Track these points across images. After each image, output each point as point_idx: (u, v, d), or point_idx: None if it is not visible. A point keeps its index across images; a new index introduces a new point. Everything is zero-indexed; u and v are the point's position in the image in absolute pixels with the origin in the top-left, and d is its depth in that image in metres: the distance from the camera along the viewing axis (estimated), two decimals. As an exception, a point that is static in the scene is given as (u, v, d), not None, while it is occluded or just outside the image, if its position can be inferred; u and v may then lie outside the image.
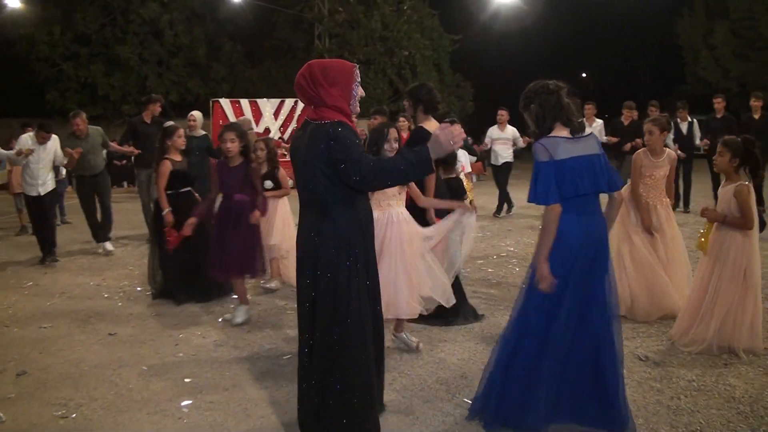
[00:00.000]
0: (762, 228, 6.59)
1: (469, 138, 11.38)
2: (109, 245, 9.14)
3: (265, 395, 4.27)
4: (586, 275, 3.55)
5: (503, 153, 11.98)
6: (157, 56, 24.20)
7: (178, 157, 6.56)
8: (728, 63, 28.67)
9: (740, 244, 4.76)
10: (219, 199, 5.98)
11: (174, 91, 24.36)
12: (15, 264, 8.53)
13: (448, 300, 4.82)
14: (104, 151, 9.20)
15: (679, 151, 10.94)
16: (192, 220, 5.96)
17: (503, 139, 11.99)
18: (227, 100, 19.10)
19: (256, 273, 5.98)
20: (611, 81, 43.75)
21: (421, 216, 5.11)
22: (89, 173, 8.85)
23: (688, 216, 11.32)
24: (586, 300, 3.56)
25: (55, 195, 8.96)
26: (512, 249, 9.03)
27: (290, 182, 13.81)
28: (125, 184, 19.07)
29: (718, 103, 11.50)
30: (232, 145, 5.73)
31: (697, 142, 11.49)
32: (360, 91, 3.40)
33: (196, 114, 9.88)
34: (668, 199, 5.94)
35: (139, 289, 7.02)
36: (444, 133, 3.07)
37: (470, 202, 7.16)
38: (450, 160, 5.98)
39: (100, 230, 9.11)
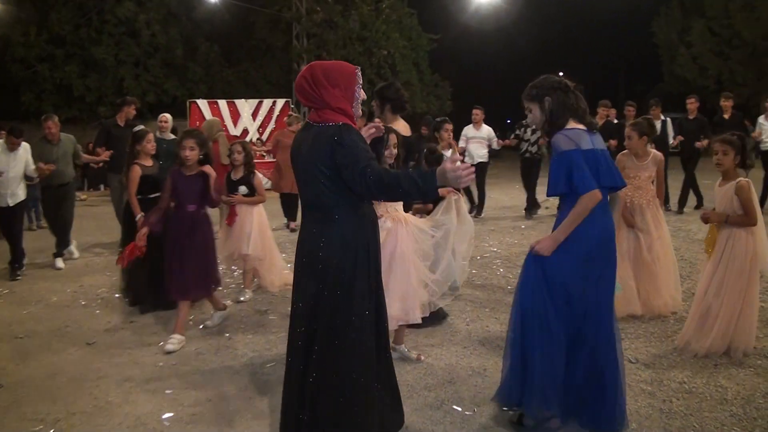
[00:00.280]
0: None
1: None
2: (60, 262, 8.52)
3: (249, 406, 4.16)
4: (601, 273, 3.54)
5: (478, 152, 11.89)
6: (134, 57, 24.01)
7: (148, 162, 6.38)
8: (705, 61, 28.92)
9: (744, 242, 4.66)
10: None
11: (151, 92, 24.14)
12: (-11, 271, 8.31)
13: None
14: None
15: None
16: (144, 231, 5.48)
17: (478, 139, 11.93)
18: (205, 101, 18.89)
19: (210, 293, 5.69)
20: (588, 79, 43.87)
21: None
22: (56, 182, 8.39)
23: (668, 214, 11.33)
24: (597, 298, 3.54)
25: (23, 208, 8.43)
26: (495, 250, 8.96)
27: (267, 183, 13.61)
28: (102, 187, 18.84)
29: (691, 104, 11.54)
30: (191, 153, 5.43)
31: (671, 140, 11.49)
32: (362, 94, 3.32)
33: (168, 116, 9.70)
34: (657, 200, 5.92)
35: (117, 295, 6.87)
36: (454, 171, 2.95)
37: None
38: (438, 159, 5.91)
39: (63, 241, 8.65)
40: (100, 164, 9.17)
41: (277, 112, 18.74)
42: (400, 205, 4.65)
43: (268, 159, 12.62)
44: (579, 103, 3.58)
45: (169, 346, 5.20)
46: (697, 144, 11.06)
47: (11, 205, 7.87)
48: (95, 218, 10.19)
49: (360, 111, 3.32)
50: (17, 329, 5.86)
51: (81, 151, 8.84)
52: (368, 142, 3.15)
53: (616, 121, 12.09)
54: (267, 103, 19.09)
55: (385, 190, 3.01)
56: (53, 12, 22.63)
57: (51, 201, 8.59)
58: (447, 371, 4.63)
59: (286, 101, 19.65)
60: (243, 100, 19.31)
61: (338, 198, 3.16)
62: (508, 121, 31.69)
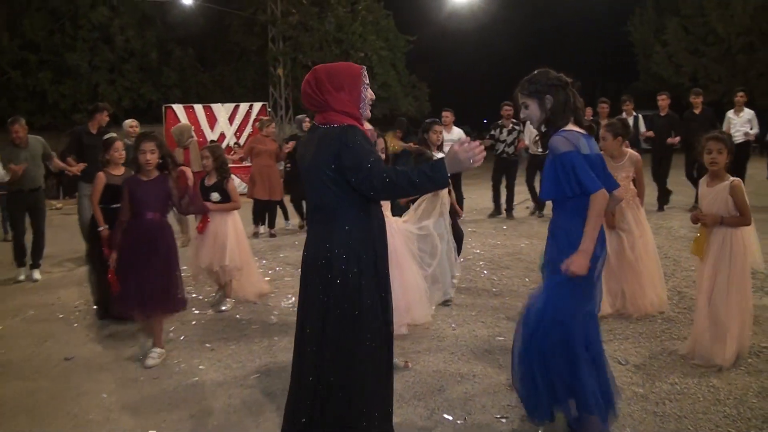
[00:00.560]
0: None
1: None
2: (36, 273, 8.22)
3: (235, 420, 4.04)
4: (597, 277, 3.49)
5: None
6: (108, 62, 23.75)
7: (117, 171, 5.99)
8: (680, 59, 29.16)
9: (740, 240, 4.55)
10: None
11: (126, 97, 23.90)
12: (-37, 283, 8.10)
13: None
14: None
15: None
16: (113, 257, 5.14)
17: (449, 141, 11.79)
18: (180, 106, 18.72)
19: (177, 309, 5.29)
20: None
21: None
22: (26, 187, 7.98)
23: (650, 213, 11.33)
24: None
25: None
26: (478, 251, 8.89)
27: (243, 186, 13.43)
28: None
29: (662, 101, 11.59)
30: (152, 157, 5.12)
31: (640, 135, 11.48)
32: (369, 94, 3.23)
33: (135, 121, 9.50)
34: (638, 199, 5.89)
35: (95, 307, 6.68)
36: (463, 149, 2.91)
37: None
38: (428, 158, 5.87)
39: (24, 256, 8.21)
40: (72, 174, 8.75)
41: (253, 116, 18.61)
42: (387, 206, 4.57)
43: (246, 163, 12.38)
44: (577, 102, 3.47)
45: (150, 361, 5.03)
46: (669, 140, 11.09)
47: None
48: (71, 227, 9.95)
49: (368, 112, 3.24)
50: (-6, 344, 5.69)
51: (51, 151, 8.39)
52: None
53: (590, 118, 12.09)
54: (244, 107, 18.96)
55: (394, 189, 2.96)
56: (26, 18, 22.34)
57: (19, 208, 8.12)
58: (436, 378, 4.55)
59: (263, 105, 19.50)
60: (219, 104, 19.16)
61: (344, 200, 3.09)
62: (485, 121, 31.78)
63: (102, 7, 22.72)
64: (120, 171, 6.02)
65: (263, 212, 10.85)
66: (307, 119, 11.14)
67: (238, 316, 6.27)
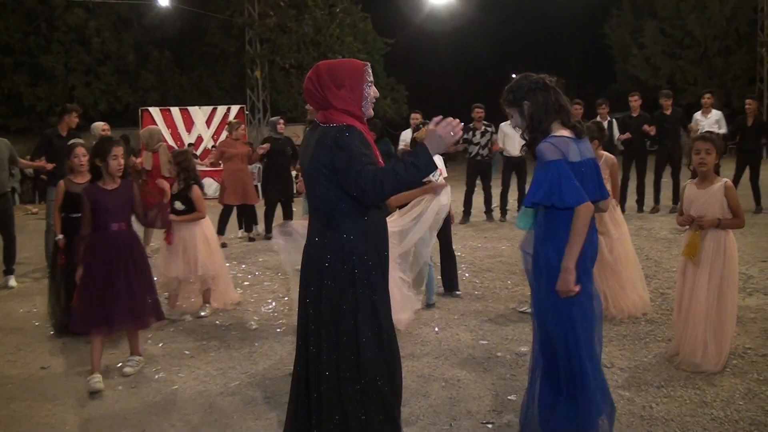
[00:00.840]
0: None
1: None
2: (12, 280, 7.97)
3: (217, 430, 3.95)
4: (587, 286, 3.39)
5: None
6: (85, 65, 23.47)
7: (80, 179, 5.59)
8: (658, 61, 29.37)
9: (733, 244, 4.50)
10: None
11: (103, 100, 23.61)
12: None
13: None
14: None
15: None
16: (79, 272, 4.71)
17: None
18: (157, 109, 18.59)
19: (158, 318, 5.04)
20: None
21: None
22: None
23: (629, 215, 11.36)
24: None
25: None
26: (460, 254, 8.81)
27: (214, 188, 13.14)
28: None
29: (634, 101, 11.64)
30: (121, 163, 4.81)
31: (616, 140, 11.52)
32: (373, 92, 3.15)
33: (106, 125, 9.27)
34: (614, 200, 5.89)
35: (51, 324, 6.46)
36: (441, 126, 2.87)
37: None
38: None
39: (9, 257, 8.01)
40: (45, 176, 8.45)
41: (231, 118, 18.46)
42: None
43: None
44: (560, 101, 3.33)
45: (128, 369, 4.90)
46: (645, 128, 11.12)
47: None
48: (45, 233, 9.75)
49: (371, 111, 3.16)
50: (-33, 353, 5.54)
51: (17, 155, 8.13)
52: None
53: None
54: (221, 109, 18.88)
55: (383, 188, 2.86)
56: (0, 19, 21.96)
57: None
58: (420, 383, 4.48)
59: (241, 107, 19.41)
60: (197, 107, 19.04)
61: (341, 203, 3.02)
62: (462, 124, 31.75)
63: (78, 8, 22.45)
64: (83, 179, 5.55)
65: (240, 217, 10.68)
66: (281, 121, 11.00)
67: (217, 322, 6.17)
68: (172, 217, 5.95)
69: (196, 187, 6.29)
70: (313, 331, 3.09)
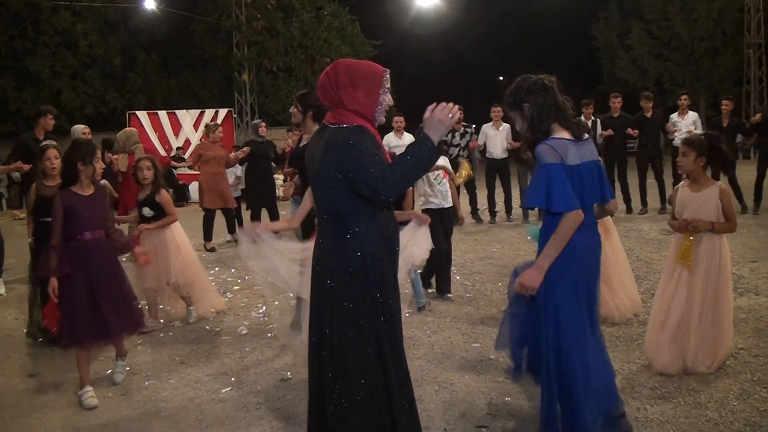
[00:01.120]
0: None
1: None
2: (1, 287, 7.89)
3: (207, 435, 3.90)
4: (591, 288, 3.41)
5: None
6: (71, 68, 23.31)
7: (52, 182, 5.30)
8: (645, 63, 29.53)
9: (726, 246, 4.48)
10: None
11: (90, 104, 23.45)
12: None
13: None
14: None
15: None
16: (54, 284, 4.35)
17: (400, 147, 11.60)
18: (144, 113, 18.51)
19: (138, 327, 4.80)
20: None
21: None
22: None
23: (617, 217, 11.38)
24: (589, 315, 3.42)
25: None
26: (450, 256, 8.82)
27: (191, 187, 12.87)
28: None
29: (615, 102, 11.68)
30: (100, 167, 4.59)
31: (598, 139, 11.54)
32: (388, 100, 3.09)
33: (87, 128, 9.12)
34: None
35: (29, 331, 6.31)
36: (437, 110, 2.85)
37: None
38: None
39: None
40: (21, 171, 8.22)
41: (219, 121, 18.43)
42: None
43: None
44: (559, 101, 3.33)
45: (118, 376, 4.79)
46: (628, 131, 11.16)
47: None
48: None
49: (383, 118, 3.12)
50: (-45, 361, 5.46)
51: None
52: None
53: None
54: (209, 113, 18.85)
55: (395, 185, 2.84)
56: (-15, 24, 21.81)
57: None
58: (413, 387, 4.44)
59: (229, 111, 19.35)
60: (184, 111, 18.98)
61: (354, 205, 2.98)
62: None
63: (65, 12, 22.32)
64: (54, 182, 5.27)
65: (225, 222, 10.57)
66: (263, 124, 10.91)
67: (207, 327, 6.11)
68: (145, 226, 5.80)
69: (164, 191, 6.07)
70: (327, 337, 3.05)
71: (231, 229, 10.59)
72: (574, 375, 3.30)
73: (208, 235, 10.12)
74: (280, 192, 11.61)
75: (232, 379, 4.77)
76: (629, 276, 5.91)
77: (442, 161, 6.40)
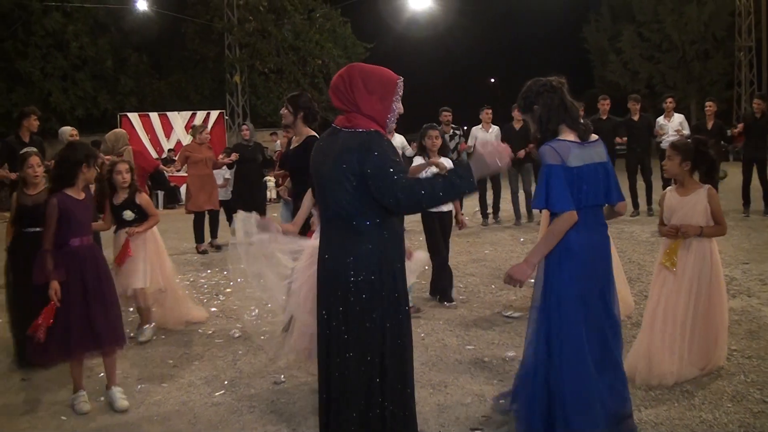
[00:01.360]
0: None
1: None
2: None
3: (199, 440, 3.88)
4: (601, 290, 3.44)
5: None
6: (62, 70, 23.18)
7: (32, 190, 5.07)
8: (636, 65, 29.63)
9: (716, 250, 4.46)
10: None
11: (80, 106, 23.33)
12: None
13: None
14: None
15: None
16: (55, 287, 4.12)
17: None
18: (136, 114, 18.46)
19: (119, 343, 4.47)
20: (520, 86, 44.58)
21: None
22: None
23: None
24: (604, 316, 3.45)
25: None
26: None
27: (183, 189, 12.62)
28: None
29: (603, 105, 11.71)
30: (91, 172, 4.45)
31: None
32: (399, 107, 3.08)
33: (75, 130, 9.00)
34: None
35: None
36: (489, 151, 2.83)
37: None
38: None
39: None
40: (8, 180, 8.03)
41: (211, 123, 18.47)
42: None
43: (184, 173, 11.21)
44: (568, 102, 3.38)
45: (122, 404, 4.36)
46: (617, 140, 11.19)
47: None
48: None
49: (394, 126, 3.11)
50: (-55, 365, 5.39)
51: None
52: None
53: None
54: (200, 115, 18.81)
55: (419, 202, 2.83)
56: (-25, 25, 21.69)
57: None
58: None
59: (220, 113, 19.32)
60: (176, 112, 18.94)
61: (364, 209, 2.95)
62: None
63: (55, 13, 22.21)
64: (35, 190, 5.08)
65: (208, 225, 10.32)
66: (244, 126, 10.85)
67: (200, 330, 6.08)
68: (135, 229, 5.63)
69: (142, 193, 5.92)
70: (336, 346, 3.03)
71: (213, 234, 10.41)
72: (561, 379, 3.34)
73: (199, 237, 10.05)
74: (272, 194, 11.55)
75: (225, 382, 4.75)
76: (622, 278, 5.91)
77: (447, 162, 6.33)
